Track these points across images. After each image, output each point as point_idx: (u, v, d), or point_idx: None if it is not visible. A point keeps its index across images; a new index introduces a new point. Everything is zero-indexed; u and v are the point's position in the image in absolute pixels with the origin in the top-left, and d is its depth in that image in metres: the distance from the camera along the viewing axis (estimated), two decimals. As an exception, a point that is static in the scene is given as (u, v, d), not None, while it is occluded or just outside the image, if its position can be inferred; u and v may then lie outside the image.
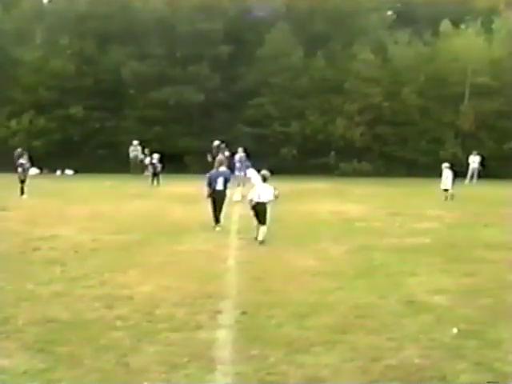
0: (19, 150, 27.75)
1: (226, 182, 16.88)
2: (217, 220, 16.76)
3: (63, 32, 45.65)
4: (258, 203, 14.98)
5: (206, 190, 16.84)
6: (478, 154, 39.40)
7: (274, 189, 15.20)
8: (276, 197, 15.29)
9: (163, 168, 32.83)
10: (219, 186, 16.70)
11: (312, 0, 46.34)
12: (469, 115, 43.72)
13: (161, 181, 32.26)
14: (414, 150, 44.10)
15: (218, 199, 16.70)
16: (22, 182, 25.95)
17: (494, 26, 45.73)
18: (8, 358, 6.76)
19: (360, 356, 6.86)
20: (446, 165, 26.32)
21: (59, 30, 45.81)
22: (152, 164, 33.91)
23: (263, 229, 14.81)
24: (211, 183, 16.75)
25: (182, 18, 44.81)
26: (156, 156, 33.51)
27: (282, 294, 9.52)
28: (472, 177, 38.96)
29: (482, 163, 39.30)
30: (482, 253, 13.36)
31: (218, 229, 16.51)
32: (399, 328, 7.86)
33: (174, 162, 37.81)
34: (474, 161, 39.38)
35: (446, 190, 25.67)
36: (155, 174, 32.69)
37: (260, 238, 14.69)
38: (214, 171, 17.09)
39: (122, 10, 45.04)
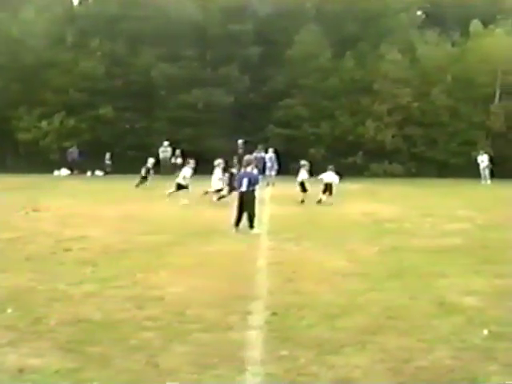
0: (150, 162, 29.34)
1: (250, 182, 16.45)
2: (237, 222, 16.46)
3: (94, 34, 46.13)
4: None
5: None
6: (486, 152, 39.35)
7: None
8: None
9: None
10: (243, 187, 16.43)
11: (341, 1, 46.34)
12: (499, 115, 43.43)
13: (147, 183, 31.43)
14: (445, 150, 43.87)
15: (241, 200, 16.44)
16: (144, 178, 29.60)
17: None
18: (40, 357, 6.80)
19: (391, 357, 6.83)
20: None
21: (90, 32, 46.23)
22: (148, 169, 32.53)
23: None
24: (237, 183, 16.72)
25: (213, 20, 44.90)
26: (151, 160, 32.78)
27: (313, 295, 9.50)
28: (485, 177, 38.89)
29: (491, 161, 39.17)
30: (514, 254, 13.24)
31: (233, 231, 16.25)
32: (430, 329, 7.80)
33: (204, 163, 37.88)
34: (483, 160, 39.24)
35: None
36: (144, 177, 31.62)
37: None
38: (241, 171, 17.04)
39: (153, 12, 45.20)
